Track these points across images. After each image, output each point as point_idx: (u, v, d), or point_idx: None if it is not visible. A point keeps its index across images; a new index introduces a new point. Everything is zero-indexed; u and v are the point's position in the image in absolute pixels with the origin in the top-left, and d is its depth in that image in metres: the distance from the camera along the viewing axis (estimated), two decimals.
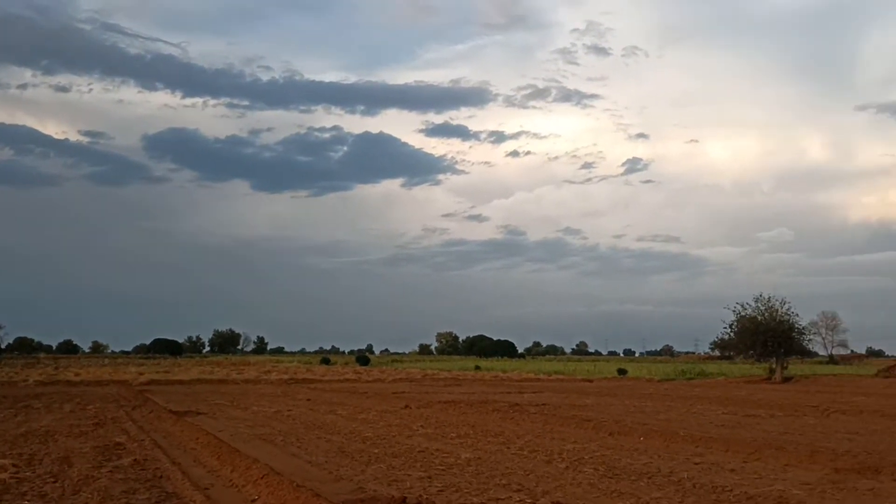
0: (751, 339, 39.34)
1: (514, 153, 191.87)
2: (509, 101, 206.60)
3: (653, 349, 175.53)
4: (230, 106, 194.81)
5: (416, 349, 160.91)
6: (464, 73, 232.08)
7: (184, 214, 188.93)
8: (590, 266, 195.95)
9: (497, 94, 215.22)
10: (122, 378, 35.70)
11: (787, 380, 39.18)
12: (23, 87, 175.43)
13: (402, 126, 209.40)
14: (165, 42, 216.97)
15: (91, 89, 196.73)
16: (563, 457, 10.38)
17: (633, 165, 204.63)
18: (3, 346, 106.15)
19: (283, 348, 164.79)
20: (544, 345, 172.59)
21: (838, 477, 8.88)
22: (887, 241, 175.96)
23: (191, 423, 14.89)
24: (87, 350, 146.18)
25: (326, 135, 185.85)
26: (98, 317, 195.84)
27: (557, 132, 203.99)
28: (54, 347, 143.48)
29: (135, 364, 65.92)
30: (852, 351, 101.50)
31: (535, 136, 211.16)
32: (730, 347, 44.77)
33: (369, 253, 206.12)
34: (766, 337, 38.60)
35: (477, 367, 62.67)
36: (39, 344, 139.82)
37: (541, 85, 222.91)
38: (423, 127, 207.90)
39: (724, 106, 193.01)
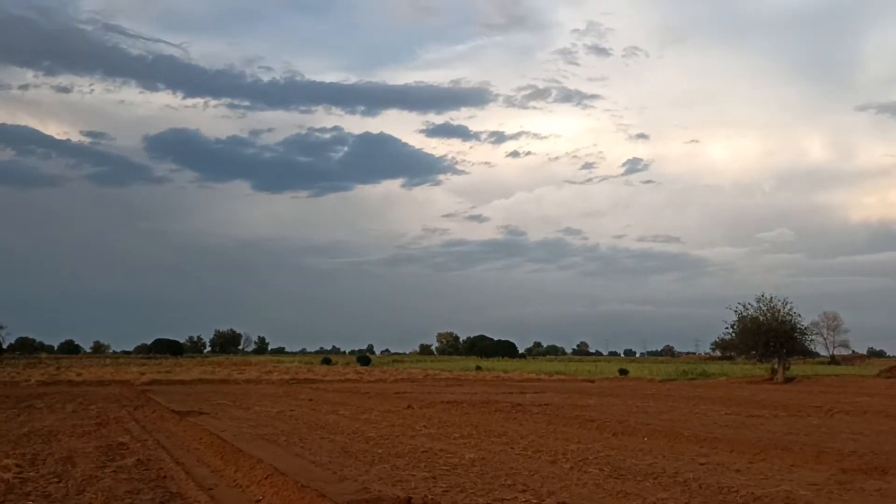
0: (753, 340, 39.29)
1: (515, 153, 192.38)
2: (510, 102, 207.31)
3: (653, 349, 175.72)
4: (231, 106, 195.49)
5: (417, 349, 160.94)
6: (464, 74, 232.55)
7: (185, 215, 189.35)
8: (590, 266, 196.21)
9: (497, 95, 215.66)
10: (123, 378, 35.69)
11: (789, 380, 39.13)
12: (24, 87, 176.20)
13: (402, 126, 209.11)
14: (167, 43, 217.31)
15: (92, 90, 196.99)
16: (567, 457, 10.34)
17: (633, 166, 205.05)
18: (4, 346, 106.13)
19: (283, 348, 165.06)
20: (545, 345, 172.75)
21: (845, 478, 8.84)
22: (888, 241, 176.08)
23: (193, 423, 14.86)
24: (88, 350, 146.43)
25: (327, 135, 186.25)
26: (99, 317, 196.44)
27: (558, 132, 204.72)
28: (56, 347, 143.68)
29: (136, 364, 65.92)
30: (853, 351, 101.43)
31: (536, 136, 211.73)
32: (731, 348, 44.77)
33: (370, 253, 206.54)
34: (768, 337, 38.54)
35: (478, 368, 62.60)
36: (41, 344, 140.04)
37: (541, 85, 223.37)
38: (424, 127, 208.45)
39: (725, 106, 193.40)
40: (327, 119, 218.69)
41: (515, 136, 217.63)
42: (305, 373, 47.08)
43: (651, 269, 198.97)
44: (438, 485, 8.15)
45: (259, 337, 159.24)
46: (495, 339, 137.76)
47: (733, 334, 41.04)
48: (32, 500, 7.48)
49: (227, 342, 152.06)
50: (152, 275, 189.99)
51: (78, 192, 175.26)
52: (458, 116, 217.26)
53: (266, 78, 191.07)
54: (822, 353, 77.97)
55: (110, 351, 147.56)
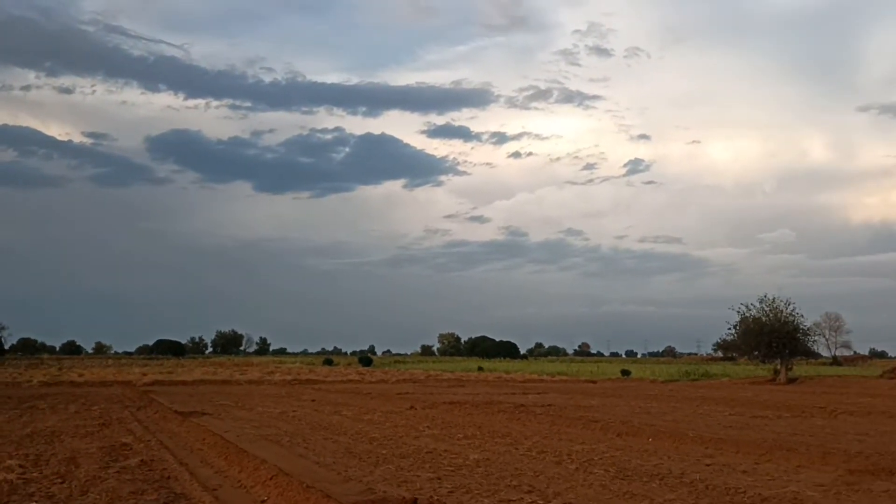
0: (755, 340, 39.18)
1: (516, 154, 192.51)
2: (511, 103, 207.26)
3: (655, 350, 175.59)
4: (232, 107, 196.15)
5: (418, 350, 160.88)
6: (465, 75, 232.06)
7: (186, 216, 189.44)
8: (591, 267, 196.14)
9: (499, 96, 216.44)
10: (125, 379, 35.68)
11: (791, 381, 39.02)
12: (26, 88, 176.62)
13: (403, 127, 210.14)
14: (168, 44, 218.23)
15: (94, 91, 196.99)
16: (572, 458, 10.29)
17: (634, 166, 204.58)
18: (6, 347, 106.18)
19: (285, 349, 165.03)
20: (546, 346, 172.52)
21: (852, 478, 8.78)
22: (889, 242, 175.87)
23: (196, 423, 14.83)
24: (90, 351, 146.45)
25: (328, 136, 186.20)
26: (100, 318, 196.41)
27: (559, 133, 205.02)
28: (57, 348, 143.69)
29: (138, 365, 65.93)
30: (855, 352, 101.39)
31: (537, 137, 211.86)
32: (734, 348, 44.69)
33: (371, 254, 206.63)
34: (770, 338, 38.43)
35: (480, 368, 62.55)
36: (43, 345, 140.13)
37: (542, 86, 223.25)
38: (425, 128, 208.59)
39: (726, 107, 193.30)
40: (329, 120, 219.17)
41: (517, 137, 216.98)
42: (307, 373, 47.05)
43: (652, 270, 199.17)
44: (444, 485, 8.11)
45: (260, 338, 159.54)
46: (497, 339, 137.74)
47: (736, 335, 40.96)
48: (36, 501, 7.44)
49: (228, 343, 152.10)
50: (154, 275, 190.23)
51: (80, 192, 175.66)
52: (460, 117, 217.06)
53: (267, 79, 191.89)
54: (824, 353, 77.93)
55: (112, 352, 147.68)
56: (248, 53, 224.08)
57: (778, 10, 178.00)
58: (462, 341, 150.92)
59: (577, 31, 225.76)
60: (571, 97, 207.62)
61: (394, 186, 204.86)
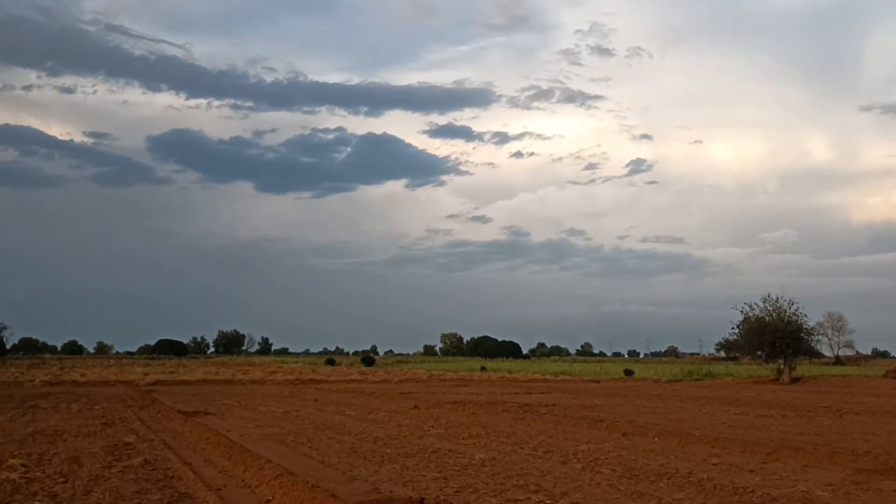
0: (758, 340, 39.12)
1: (518, 154, 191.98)
2: (513, 102, 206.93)
3: (657, 350, 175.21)
4: (234, 107, 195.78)
5: (421, 350, 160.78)
6: (467, 75, 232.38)
7: (188, 215, 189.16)
8: (593, 267, 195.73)
9: (500, 96, 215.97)
10: (128, 378, 35.66)
11: (795, 381, 38.94)
12: (27, 88, 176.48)
13: (405, 127, 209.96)
14: (169, 43, 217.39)
15: (95, 90, 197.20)
16: (578, 457, 10.23)
17: (636, 166, 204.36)
18: (8, 347, 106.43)
19: (287, 349, 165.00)
20: (549, 346, 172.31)
21: (861, 478, 8.71)
22: (891, 242, 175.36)
23: (199, 423, 14.78)
24: (91, 350, 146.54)
25: (330, 136, 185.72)
26: (102, 317, 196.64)
27: (561, 133, 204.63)
28: (59, 348, 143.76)
29: (140, 364, 65.98)
30: (858, 352, 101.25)
31: (539, 137, 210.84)
32: (737, 348, 44.56)
33: (373, 254, 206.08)
34: (773, 338, 38.36)
35: (483, 368, 62.50)
36: (44, 344, 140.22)
37: (544, 86, 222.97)
38: (427, 128, 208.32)
39: (728, 107, 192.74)
40: (330, 120, 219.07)
41: (519, 137, 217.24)
42: (310, 373, 47.04)
43: (654, 270, 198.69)
44: (450, 485, 8.05)
45: (262, 338, 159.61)
46: (499, 339, 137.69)
47: (739, 335, 40.87)
48: (39, 501, 7.39)
49: (230, 343, 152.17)
50: (155, 275, 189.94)
51: (81, 192, 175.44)
52: (462, 117, 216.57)
53: (269, 78, 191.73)
54: (827, 353, 77.86)
55: (114, 351, 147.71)
56: (250, 53, 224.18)
57: (779, 10, 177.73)
58: (464, 341, 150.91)
59: (578, 31, 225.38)
60: (573, 97, 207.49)
61: (396, 186, 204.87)
